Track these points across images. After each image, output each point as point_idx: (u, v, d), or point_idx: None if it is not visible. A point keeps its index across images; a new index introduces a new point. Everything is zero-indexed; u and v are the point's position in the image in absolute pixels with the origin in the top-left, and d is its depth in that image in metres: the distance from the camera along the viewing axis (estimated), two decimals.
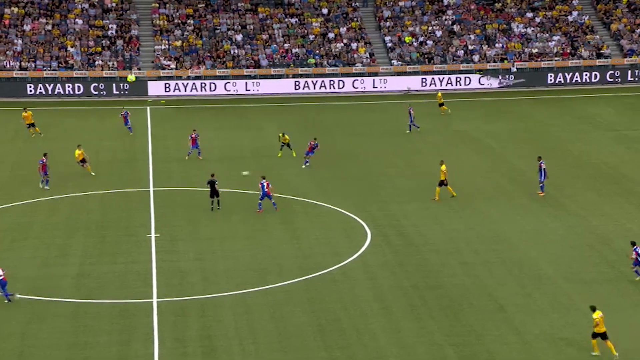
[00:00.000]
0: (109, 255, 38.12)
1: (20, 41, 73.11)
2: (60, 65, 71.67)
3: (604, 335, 28.36)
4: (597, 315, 28.44)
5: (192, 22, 77.81)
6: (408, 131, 59.55)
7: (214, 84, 72.52)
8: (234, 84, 72.65)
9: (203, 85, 72.43)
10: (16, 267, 36.25)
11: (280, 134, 53.61)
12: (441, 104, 65.35)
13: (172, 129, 61.49)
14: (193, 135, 52.85)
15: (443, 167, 44.72)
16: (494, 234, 40.29)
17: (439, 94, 66.68)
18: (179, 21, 77.74)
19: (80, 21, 75.88)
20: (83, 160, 48.64)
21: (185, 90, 72.25)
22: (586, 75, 75.81)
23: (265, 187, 42.70)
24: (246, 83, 72.80)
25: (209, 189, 43.13)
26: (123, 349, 29.82)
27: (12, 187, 47.30)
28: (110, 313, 32.53)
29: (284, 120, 64.01)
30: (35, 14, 75.69)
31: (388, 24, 79.62)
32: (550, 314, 31.75)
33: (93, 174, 48.44)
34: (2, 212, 43.33)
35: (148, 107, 68.13)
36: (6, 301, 32.72)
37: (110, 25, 76.20)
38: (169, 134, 59.88)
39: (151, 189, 47.27)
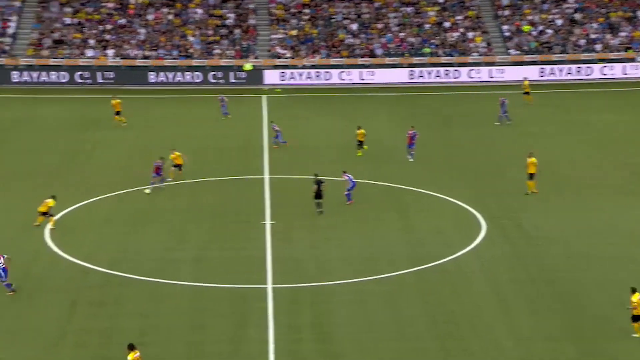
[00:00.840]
0: (225, 241, 38.88)
1: (143, 30, 75.12)
2: (180, 53, 73.34)
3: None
4: (636, 297, 28.22)
5: (308, 11, 78.34)
6: (497, 123, 58.59)
7: (328, 72, 72.90)
8: (349, 73, 72.86)
9: (318, 74, 72.89)
10: (139, 251, 37.42)
11: (357, 129, 51.56)
12: (526, 93, 64.04)
13: (287, 117, 62.09)
14: (274, 126, 53.18)
15: (533, 160, 43.74)
16: (614, 229, 39.29)
17: (526, 82, 65.17)
18: (295, 10, 78.39)
19: (200, 10, 77.42)
20: (179, 166, 46.30)
21: (301, 79, 72.86)
22: None
23: (352, 178, 42.47)
24: (360, 72, 72.89)
25: (315, 191, 41.10)
26: (239, 333, 30.40)
27: (135, 172, 48.53)
28: (227, 297, 33.19)
29: (396, 109, 63.95)
30: (158, 4, 77.59)
31: (506, 12, 78.35)
32: None
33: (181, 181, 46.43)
34: (126, 196, 44.60)
35: (264, 96, 68.97)
36: (9, 292, 32.76)
37: (228, 15, 77.49)
38: (284, 123, 60.43)
39: (266, 176, 47.88)
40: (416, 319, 31.10)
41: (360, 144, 51.20)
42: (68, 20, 75.27)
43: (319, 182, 41.19)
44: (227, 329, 30.63)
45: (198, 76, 72.02)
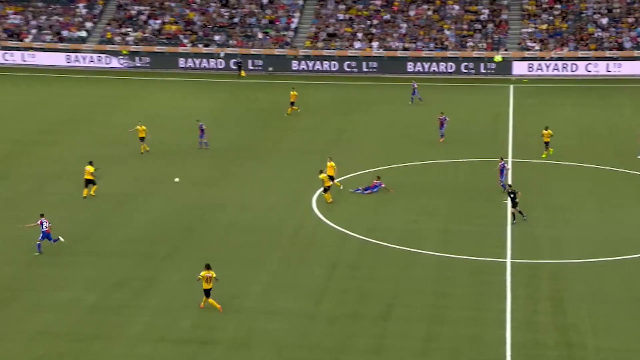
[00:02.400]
0: (469, 216, 38.46)
1: (405, 25, 75.63)
2: (436, 46, 73.12)
3: None
4: None
5: (559, 6, 75.31)
6: None
7: (575, 64, 69.83)
8: (595, 65, 69.38)
9: (565, 65, 70.02)
10: (391, 221, 37.84)
11: (544, 129, 46.30)
12: None
13: (533, 105, 60.35)
14: (441, 118, 50.02)
15: None
16: None
17: None
18: (547, 6, 75.61)
19: (457, 7, 76.67)
20: (326, 189, 39.92)
21: (548, 70, 70.32)
22: None
23: (506, 166, 40.30)
24: (607, 64, 69.15)
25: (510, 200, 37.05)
26: (479, 301, 30.06)
27: (400, 150, 49.07)
28: (468, 268, 32.90)
29: None
30: (420, 1, 77.68)
31: None
32: None
33: (340, 186, 41.69)
34: (382, 172, 45.12)
35: (511, 85, 67.30)
36: (37, 253, 33.43)
37: (483, 10, 76.16)
38: (529, 110, 58.83)
39: (510, 159, 46.75)
40: None
41: (547, 145, 46.24)
42: (341, 16, 77.22)
43: (513, 193, 36.96)
44: (468, 297, 30.38)
45: (451, 66, 71.50)
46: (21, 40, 74.90)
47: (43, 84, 67.11)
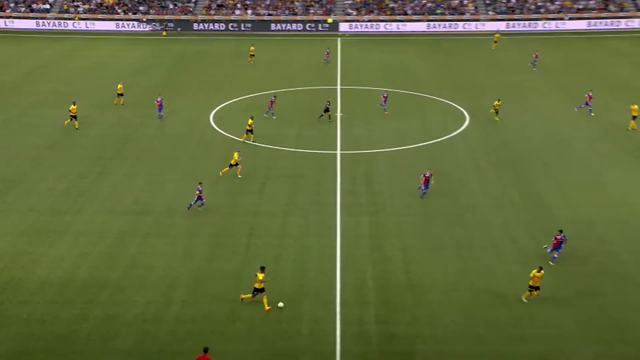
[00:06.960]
0: (313, 125, 38.27)
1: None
2: (290, 12, 70.94)
3: None
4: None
5: None
6: None
7: (378, 25, 69.91)
8: (389, 25, 69.64)
9: (371, 25, 69.94)
10: (261, 128, 36.96)
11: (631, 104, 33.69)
12: None
13: (353, 50, 60.23)
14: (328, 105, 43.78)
15: None
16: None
17: None
18: None
19: None
20: (121, 95, 38.00)
21: (361, 29, 70.04)
22: None
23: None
24: (397, 25, 69.38)
25: (324, 108, 37.66)
26: (319, 177, 30.52)
27: (269, 83, 47.48)
28: (313, 158, 33.05)
29: (419, 49, 60.58)
30: None
31: None
32: None
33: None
34: (257, 96, 43.89)
35: (339, 39, 66.72)
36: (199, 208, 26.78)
37: None
38: (350, 51, 58.74)
39: (338, 87, 46.61)
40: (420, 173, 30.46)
41: (635, 118, 33.67)
42: None
43: (329, 103, 38.14)
44: (313, 176, 30.72)
45: (299, 26, 69.85)
46: (4, 11, 67.02)
47: (20, 42, 60.69)
